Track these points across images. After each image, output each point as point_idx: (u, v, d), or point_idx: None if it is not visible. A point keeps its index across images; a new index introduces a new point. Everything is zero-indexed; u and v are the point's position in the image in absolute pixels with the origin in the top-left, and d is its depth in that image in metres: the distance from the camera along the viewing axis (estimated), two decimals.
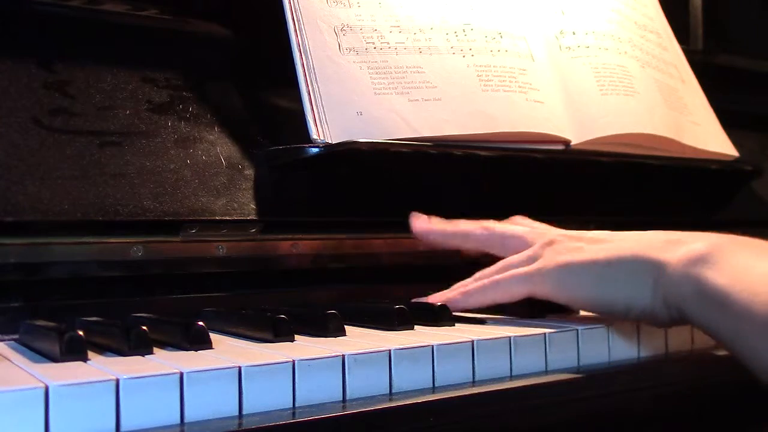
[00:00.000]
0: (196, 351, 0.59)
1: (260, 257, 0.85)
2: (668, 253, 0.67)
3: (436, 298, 0.79)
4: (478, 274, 0.79)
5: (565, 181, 1.03)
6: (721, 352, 0.72)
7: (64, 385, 0.47)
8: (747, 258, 0.64)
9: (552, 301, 0.74)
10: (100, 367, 0.52)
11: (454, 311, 0.74)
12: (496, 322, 0.76)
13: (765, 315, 0.59)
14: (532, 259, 0.75)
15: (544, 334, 0.67)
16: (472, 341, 0.63)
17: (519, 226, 0.82)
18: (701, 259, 0.64)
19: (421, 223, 0.84)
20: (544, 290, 0.73)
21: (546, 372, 0.66)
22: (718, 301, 0.62)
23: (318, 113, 0.84)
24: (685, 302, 0.65)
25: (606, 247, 0.71)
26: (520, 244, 0.78)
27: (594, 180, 1.05)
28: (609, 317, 0.72)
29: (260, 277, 0.87)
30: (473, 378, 0.63)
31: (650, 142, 1.06)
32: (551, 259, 0.73)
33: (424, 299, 0.80)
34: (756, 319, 0.59)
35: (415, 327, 0.70)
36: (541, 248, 0.75)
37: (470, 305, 0.77)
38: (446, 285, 0.96)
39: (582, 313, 0.79)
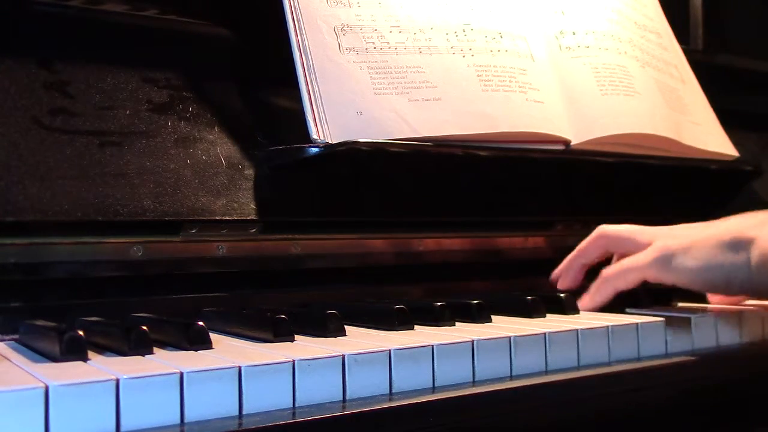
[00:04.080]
0: (196, 351, 0.59)
1: (260, 257, 0.85)
2: (763, 229, 0.76)
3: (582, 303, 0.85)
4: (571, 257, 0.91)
5: (565, 181, 1.03)
6: None
7: (64, 385, 0.47)
8: None
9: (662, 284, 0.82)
10: (100, 367, 0.52)
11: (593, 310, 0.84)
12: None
13: None
14: (644, 241, 0.85)
15: (544, 333, 0.67)
16: (472, 341, 0.63)
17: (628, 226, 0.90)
18: None
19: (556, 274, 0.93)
20: (654, 275, 0.82)
21: (546, 372, 0.66)
22: None
23: (318, 113, 0.84)
24: None
25: (705, 231, 0.81)
26: (639, 239, 0.86)
27: (594, 180, 1.05)
28: (712, 292, 0.83)
29: (260, 277, 0.87)
30: (473, 378, 0.63)
31: (650, 142, 1.06)
32: (658, 245, 0.82)
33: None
34: None
35: (415, 327, 0.70)
36: (650, 235, 0.85)
37: (599, 304, 0.85)
38: (446, 284, 0.96)
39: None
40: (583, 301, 0.85)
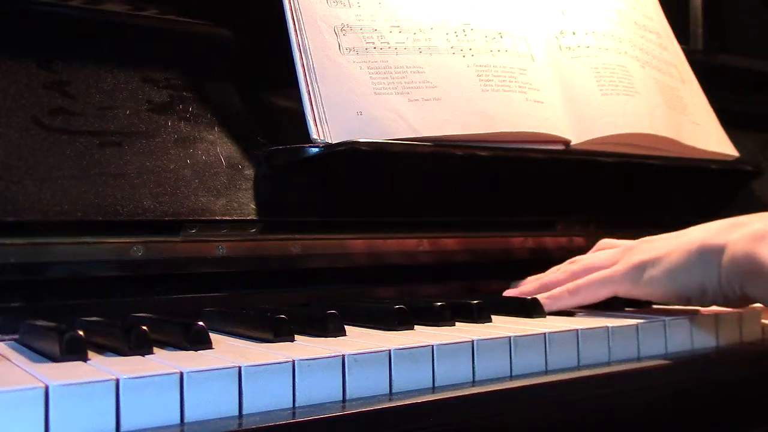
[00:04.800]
0: (196, 351, 0.59)
1: (260, 257, 0.85)
2: (730, 235, 0.74)
3: (543, 297, 0.83)
4: (554, 269, 0.88)
5: (565, 181, 1.03)
6: None
7: (64, 385, 0.47)
8: None
9: (633, 298, 0.81)
10: (100, 367, 0.52)
11: (551, 309, 0.81)
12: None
13: None
14: (612, 263, 0.82)
15: (544, 333, 0.67)
16: (472, 341, 0.63)
17: (603, 251, 0.88)
18: (759, 237, 0.71)
19: (512, 292, 0.90)
20: (625, 289, 0.80)
21: (546, 372, 0.66)
22: None
23: (318, 113, 0.84)
24: (745, 278, 0.71)
25: (675, 242, 0.78)
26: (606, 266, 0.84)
27: (594, 180, 1.05)
28: (686, 304, 0.79)
29: (260, 277, 0.87)
30: (473, 378, 0.63)
31: (650, 142, 1.06)
32: (628, 260, 0.80)
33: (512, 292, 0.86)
34: None
35: (415, 327, 0.70)
36: (620, 254, 0.83)
37: (555, 309, 0.82)
38: (446, 284, 0.96)
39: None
40: (542, 300, 0.82)
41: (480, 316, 0.75)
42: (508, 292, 0.89)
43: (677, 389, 0.73)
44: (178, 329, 0.61)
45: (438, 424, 0.57)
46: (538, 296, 0.82)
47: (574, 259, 0.89)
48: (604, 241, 0.90)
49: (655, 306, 0.87)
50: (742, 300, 0.75)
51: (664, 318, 0.76)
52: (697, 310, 0.82)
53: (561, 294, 0.83)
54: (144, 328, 0.59)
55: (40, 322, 0.67)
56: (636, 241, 0.85)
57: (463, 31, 0.96)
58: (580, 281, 0.83)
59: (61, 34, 0.84)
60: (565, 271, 0.87)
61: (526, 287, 0.89)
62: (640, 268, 0.79)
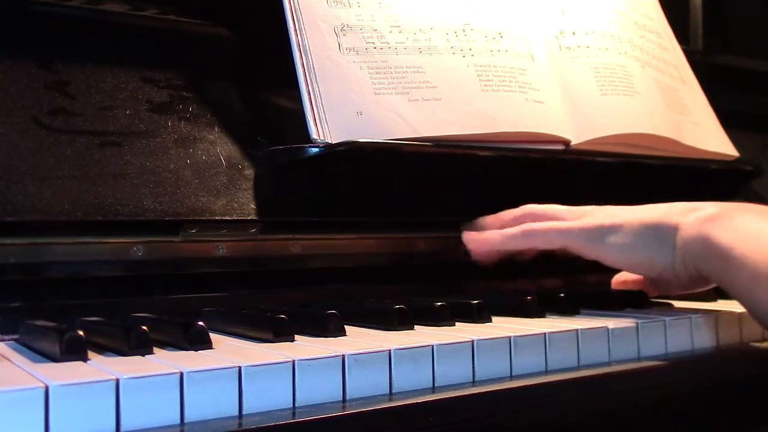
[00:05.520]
0: (196, 351, 0.59)
1: (260, 257, 0.85)
2: (685, 216, 0.78)
3: (473, 236, 0.88)
4: (503, 213, 0.91)
5: (565, 181, 1.03)
6: None
7: (64, 385, 0.47)
8: (751, 219, 0.74)
9: (581, 256, 0.84)
10: (100, 367, 0.52)
11: (490, 249, 0.85)
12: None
13: (759, 265, 0.68)
14: (571, 217, 0.86)
15: (544, 333, 0.67)
16: (472, 341, 0.63)
17: (559, 207, 0.90)
18: (710, 219, 0.75)
19: (473, 235, 0.92)
20: (578, 245, 0.83)
21: (546, 372, 0.66)
22: (722, 254, 0.72)
23: (318, 113, 0.84)
24: (697, 258, 0.76)
25: (636, 213, 0.82)
26: (566, 218, 0.88)
27: (594, 180, 1.05)
28: (633, 272, 0.85)
29: (260, 277, 0.87)
30: (473, 378, 0.63)
31: (650, 142, 1.06)
32: (589, 220, 0.84)
33: (468, 234, 0.89)
34: (754, 269, 0.69)
35: (415, 327, 0.70)
36: (579, 212, 0.87)
37: (507, 247, 0.86)
38: (445, 284, 0.96)
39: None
40: (487, 237, 0.86)
41: (480, 316, 0.75)
42: (469, 235, 0.91)
43: (677, 389, 0.73)
44: (178, 329, 0.61)
45: (438, 424, 0.57)
46: (493, 232, 0.86)
47: (531, 207, 0.91)
48: (530, 206, 0.91)
49: (654, 304, 0.87)
50: (696, 280, 0.79)
51: (664, 318, 0.76)
52: (698, 310, 0.82)
53: (515, 234, 0.86)
54: (144, 328, 0.59)
55: (40, 322, 0.67)
56: (582, 207, 0.88)
57: (463, 31, 0.96)
58: (536, 225, 0.86)
59: (61, 34, 0.84)
60: (524, 210, 0.90)
61: (485, 224, 0.92)
62: (600, 231, 0.82)
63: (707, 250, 0.74)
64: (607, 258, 0.83)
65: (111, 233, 0.77)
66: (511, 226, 0.89)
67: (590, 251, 0.83)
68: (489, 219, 0.92)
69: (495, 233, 0.87)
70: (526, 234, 0.86)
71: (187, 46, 0.92)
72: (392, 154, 0.86)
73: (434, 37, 0.94)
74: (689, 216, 0.78)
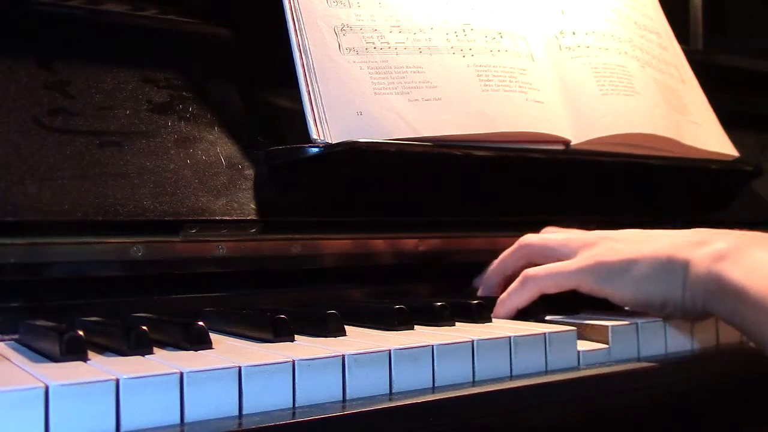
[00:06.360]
0: (196, 351, 0.59)
1: (260, 257, 0.85)
2: (695, 252, 0.73)
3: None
4: (500, 258, 0.88)
5: (565, 181, 1.03)
6: None
7: (64, 385, 0.47)
8: (763, 254, 0.69)
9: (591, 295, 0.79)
10: (100, 367, 0.52)
11: (506, 313, 0.80)
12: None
13: None
14: (569, 251, 0.82)
15: (544, 333, 0.67)
16: (472, 341, 0.63)
17: (555, 233, 0.87)
18: (722, 257, 0.70)
19: (478, 282, 0.91)
20: (586, 284, 0.78)
21: (546, 372, 0.66)
22: (736, 294, 0.68)
23: (318, 113, 0.84)
24: (708, 297, 0.71)
25: (641, 247, 0.77)
26: (562, 251, 0.83)
27: (594, 180, 1.05)
28: (645, 311, 0.78)
29: (260, 277, 0.87)
30: (473, 378, 0.63)
31: (650, 142, 1.06)
32: (594, 257, 0.79)
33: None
34: None
35: (415, 327, 0.70)
36: (578, 243, 0.82)
37: (522, 304, 0.80)
38: (444, 284, 0.96)
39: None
40: (501, 301, 0.81)
41: (480, 316, 0.75)
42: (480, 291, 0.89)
43: (677, 389, 0.73)
44: (178, 329, 0.61)
45: (438, 424, 0.57)
46: (502, 300, 0.81)
47: (527, 239, 0.87)
48: (549, 229, 0.89)
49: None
50: (701, 316, 0.75)
51: (664, 318, 0.76)
52: None
53: (518, 289, 0.81)
54: (144, 328, 0.59)
55: (40, 322, 0.67)
56: (594, 233, 0.84)
57: (463, 31, 0.96)
58: (536, 272, 0.80)
59: (61, 34, 0.84)
60: (519, 245, 0.87)
61: (490, 281, 0.90)
62: (607, 268, 0.77)
63: (720, 289, 0.69)
64: (619, 299, 0.78)
65: (111, 233, 0.77)
66: (511, 265, 0.87)
67: (601, 291, 0.78)
68: (491, 268, 0.89)
69: (503, 302, 0.81)
70: (530, 282, 0.80)
71: (187, 46, 0.92)
72: (392, 154, 0.86)
73: (434, 37, 0.94)
74: (699, 251, 0.73)
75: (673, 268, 0.74)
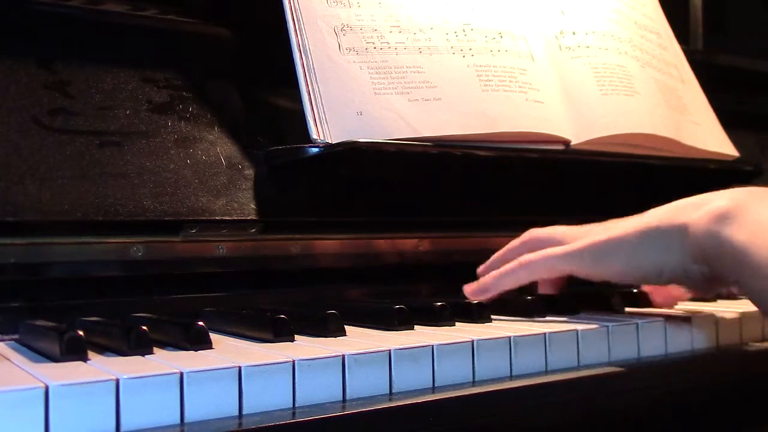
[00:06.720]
0: (196, 351, 0.59)
1: (260, 257, 0.85)
2: (693, 214, 0.70)
3: (471, 287, 0.82)
4: (506, 247, 0.85)
5: (565, 181, 1.03)
6: None
7: (64, 385, 0.47)
8: (766, 211, 0.66)
9: (588, 279, 0.78)
10: (100, 367, 0.52)
11: (490, 294, 0.80)
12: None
13: None
14: (564, 240, 0.80)
15: (544, 334, 0.67)
16: (472, 341, 0.63)
17: (563, 227, 0.85)
18: (722, 216, 0.67)
19: (471, 286, 0.87)
20: (581, 268, 0.77)
21: (546, 372, 0.66)
22: (738, 257, 0.65)
23: (318, 113, 0.84)
24: (710, 259, 0.69)
25: (635, 222, 0.75)
26: (567, 242, 0.81)
27: (594, 180, 1.05)
28: (643, 283, 0.77)
29: (260, 277, 0.87)
30: (473, 378, 0.63)
31: (650, 142, 1.06)
32: (585, 240, 0.77)
33: (465, 288, 0.84)
34: None
35: (415, 327, 0.70)
36: (576, 234, 0.80)
37: (508, 287, 0.80)
38: (445, 284, 0.96)
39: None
40: (486, 279, 0.80)
41: (480, 316, 0.75)
42: (466, 288, 0.86)
43: (677, 389, 0.73)
44: (178, 329, 0.61)
45: (438, 424, 0.57)
46: (492, 273, 0.80)
47: (534, 232, 0.86)
48: (534, 230, 0.87)
49: (655, 307, 0.87)
50: (706, 281, 0.72)
51: (664, 318, 0.76)
52: (698, 311, 0.82)
53: (513, 269, 0.80)
54: (144, 328, 0.59)
55: (40, 322, 0.67)
56: (600, 224, 0.82)
57: (463, 31, 0.96)
58: (532, 255, 0.79)
59: (61, 34, 0.84)
60: (525, 237, 0.85)
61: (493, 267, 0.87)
62: (600, 247, 0.76)
63: (719, 249, 0.67)
64: (614, 275, 0.76)
65: (111, 233, 0.77)
66: (516, 257, 0.83)
67: (596, 272, 0.76)
68: (495, 257, 0.87)
69: (488, 276, 0.80)
70: (524, 266, 0.79)
71: (187, 46, 0.92)
72: (392, 154, 0.86)
73: (434, 37, 0.94)
74: (698, 211, 0.70)
75: (668, 233, 0.71)
